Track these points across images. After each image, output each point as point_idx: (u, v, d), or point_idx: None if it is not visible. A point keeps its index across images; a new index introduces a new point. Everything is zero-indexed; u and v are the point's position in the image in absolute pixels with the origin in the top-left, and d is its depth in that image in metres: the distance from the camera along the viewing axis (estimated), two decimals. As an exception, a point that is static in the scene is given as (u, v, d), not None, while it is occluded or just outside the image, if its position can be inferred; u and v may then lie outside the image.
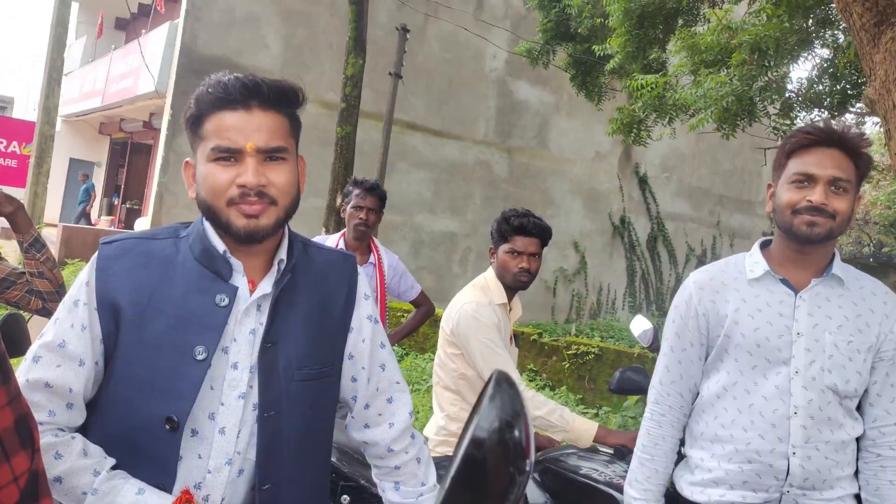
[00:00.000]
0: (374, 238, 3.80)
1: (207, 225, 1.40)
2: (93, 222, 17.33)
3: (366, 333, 1.58)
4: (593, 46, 7.81)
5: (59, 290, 2.34)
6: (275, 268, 1.43)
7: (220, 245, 1.39)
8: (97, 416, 1.36)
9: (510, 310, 3.00)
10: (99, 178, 19.78)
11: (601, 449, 2.94)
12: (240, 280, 1.39)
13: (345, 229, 3.79)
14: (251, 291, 1.41)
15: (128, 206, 17.55)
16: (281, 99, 1.37)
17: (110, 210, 18.70)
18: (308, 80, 11.58)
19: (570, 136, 13.97)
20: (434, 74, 12.68)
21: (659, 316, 14.49)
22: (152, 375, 1.32)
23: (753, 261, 1.98)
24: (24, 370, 1.32)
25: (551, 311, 13.62)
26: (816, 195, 1.81)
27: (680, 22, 7.51)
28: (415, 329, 4.35)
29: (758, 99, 6.03)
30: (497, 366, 2.78)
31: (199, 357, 1.32)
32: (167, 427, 1.30)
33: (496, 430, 0.70)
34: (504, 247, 2.91)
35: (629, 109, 7.37)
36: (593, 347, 8.61)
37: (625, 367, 2.88)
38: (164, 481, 1.31)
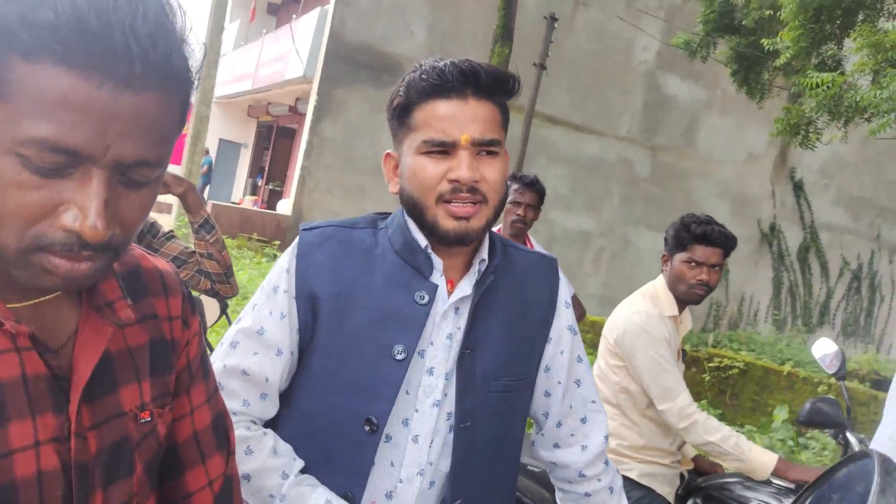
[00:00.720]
0: (530, 236, 3.62)
1: (409, 217, 1.31)
2: (237, 201, 18.10)
3: (565, 345, 1.45)
4: (761, 40, 7.30)
5: (227, 272, 2.31)
6: (474, 268, 1.32)
7: (422, 239, 1.29)
8: (289, 411, 1.31)
9: (679, 322, 2.76)
10: (245, 160, 20.65)
11: (773, 481, 2.67)
12: (438, 279, 1.29)
13: (500, 225, 3.63)
14: (449, 292, 1.30)
15: (270, 187, 18.21)
16: (498, 87, 1.26)
17: (254, 190, 19.48)
18: (452, 69, 11.53)
19: (720, 136, 13.27)
20: (579, 66, 12.34)
21: (805, 332, 13.58)
22: (351, 372, 1.25)
23: None
24: (220, 355, 1.28)
25: (687, 318, 13.00)
26: None
27: (860, 17, 6.94)
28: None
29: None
30: (665, 383, 2.55)
31: (399, 357, 1.24)
32: (366, 428, 1.24)
33: None
34: (681, 255, 2.66)
35: (798, 109, 6.88)
36: (738, 362, 8.11)
37: (815, 399, 2.58)
38: (353, 488, 1.24)
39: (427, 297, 1.27)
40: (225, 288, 2.32)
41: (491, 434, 1.33)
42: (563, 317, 1.45)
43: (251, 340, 1.28)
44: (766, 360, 9.09)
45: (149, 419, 0.85)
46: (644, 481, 2.58)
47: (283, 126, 18.55)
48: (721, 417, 7.51)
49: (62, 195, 0.67)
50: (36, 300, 0.77)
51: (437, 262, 1.29)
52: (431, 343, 1.29)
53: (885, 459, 0.62)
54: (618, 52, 12.67)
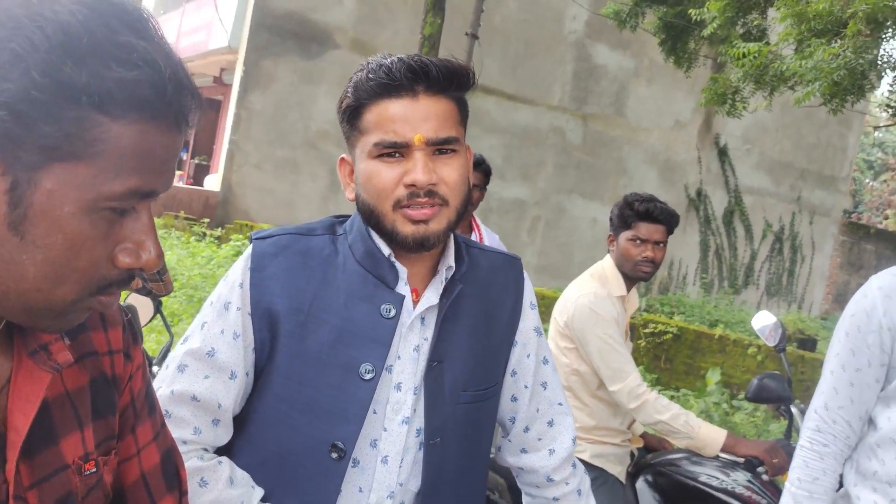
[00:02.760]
0: (475, 216, 3.57)
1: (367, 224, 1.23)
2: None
3: (531, 348, 1.40)
4: (689, 10, 7.37)
5: (160, 270, 2.19)
6: (440, 275, 1.25)
7: (384, 248, 1.21)
8: (248, 437, 1.22)
9: (627, 301, 2.78)
10: (168, 133, 19.97)
11: (721, 455, 2.73)
12: (404, 288, 1.22)
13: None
14: (414, 302, 1.23)
15: (196, 161, 17.70)
16: (451, 82, 1.18)
17: (179, 165, 18.90)
18: (382, 38, 11.34)
19: (648, 104, 13.46)
20: (510, 36, 12.29)
21: (732, 293, 14.04)
22: (315, 394, 1.17)
23: None
24: (167, 379, 1.18)
25: (619, 283, 13.24)
26: None
27: (786, -13, 7.07)
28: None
29: (870, 72, 5.62)
30: (616, 364, 2.57)
31: (367, 376, 1.17)
32: (333, 455, 1.16)
33: None
34: (626, 234, 2.67)
35: (725, 79, 6.98)
36: (672, 327, 8.31)
37: (762, 375, 2.64)
38: None
39: (394, 311, 1.20)
40: (158, 286, 2.21)
41: (461, 448, 1.28)
42: (529, 319, 1.40)
43: (201, 363, 1.18)
44: (698, 325, 9.35)
45: (94, 469, 0.79)
46: (596, 462, 2.60)
47: (209, 98, 17.94)
48: (657, 382, 7.70)
49: (118, 236, 0.69)
50: None
51: (402, 270, 1.22)
52: (398, 357, 1.22)
53: None
54: (548, 21, 12.66)
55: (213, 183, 12.52)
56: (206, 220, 10.75)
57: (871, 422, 1.72)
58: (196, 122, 0.73)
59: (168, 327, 2.60)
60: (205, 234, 10.20)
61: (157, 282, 2.20)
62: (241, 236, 9.33)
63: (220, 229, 10.56)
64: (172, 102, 0.67)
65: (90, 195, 0.65)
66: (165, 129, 0.68)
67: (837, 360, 1.74)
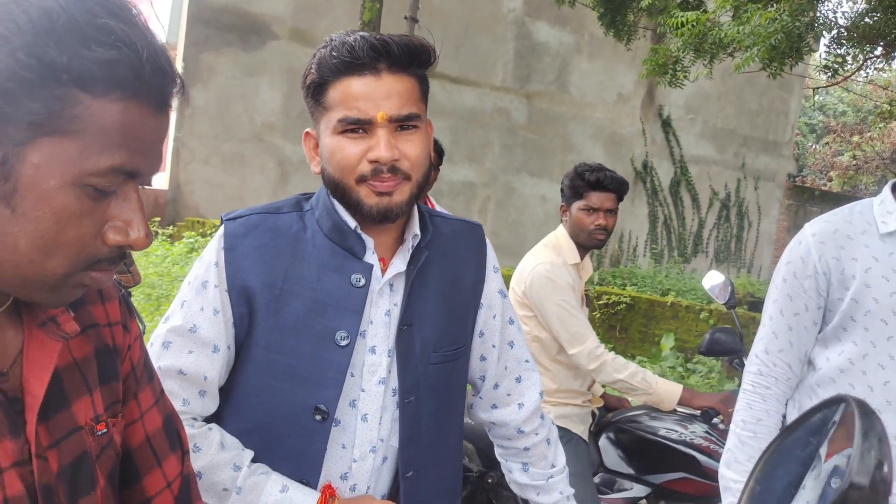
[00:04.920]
0: (430, 197, 3.62)
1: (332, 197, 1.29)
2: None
3: (497, 309, 1.48)
4: (626, -17, 7.47)
5: (126, 262, 2.20)
6: (407, 244, 1.32)
7: (350, 220, 1.27)
8: (234, 407, 1.28)
9: (581, 269, 2.87)
10: (108, 133, 19.55)
11: (678, 409, 2.85)
12: (371, 257, 1.28)
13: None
14: (382, 270, 1.30)
15: (140, 160, 17.37)
16: (412, 60, 1.23)
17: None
18: (321, 26, 11.26)
19: (591, 79, 13.61)
20: (450, 17, 12.30)
21: (682, 262, 14.32)
22: (295, 363, 1.23)
23: (886, 210, 1.70)
24: (153, 356, 1.24)
25: (573, 258, 13.39)
26: None
27: (721, -47, 7.19)
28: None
29: (808, 35, 5.76)
30: (574, 328, 2.65)
31: (343, 343, 1.24)
32: (317, 417, 1.23)
33: (872, 471, 0.64)
34: (578, 203, 2.75)
35: (665, 49, 7.10)
36: (625, 297, 8.49)
37: (714, 329, 2.75)
38: (308, 475, 1.24)
39: (363, 280, 1.26)
40: (126, 277, 2.22)
41: (435, 405, 1.35)
42: (493, 281, 1.47)
43: (184, 339, 1.24)
44: (650, 293, 9.55)
45: (105, 430, 0.85)
46: (560, 423, 2.69)
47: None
48: (612, 351, 7.87)
49: (107, 213, 0.73)
50: None
51: (369, 241, 1.28)
52: (371, 322, 1.28)
53: (861, 403, 0.67)
54: (486, 0, 12.70)
55: (160, 181, 12.32)
56: (157, 218, 10.59)
57: (810, 363, 1.82)
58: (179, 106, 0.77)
59: (139, 318, 2.61)
60: (157, 233, 10.06)
61: (125, 273, 2.22)
62: (193, 233, 9.23)
63: (171, 227, 10.43)
64: (151, 83, 0.71)
65: (75, 170, 0.69)
66: (148, 109, 0.72)
67: (776, 306, 1.82)
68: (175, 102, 0.77)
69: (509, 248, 12.50)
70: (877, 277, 1.66)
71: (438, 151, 3.56)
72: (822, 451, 0.69)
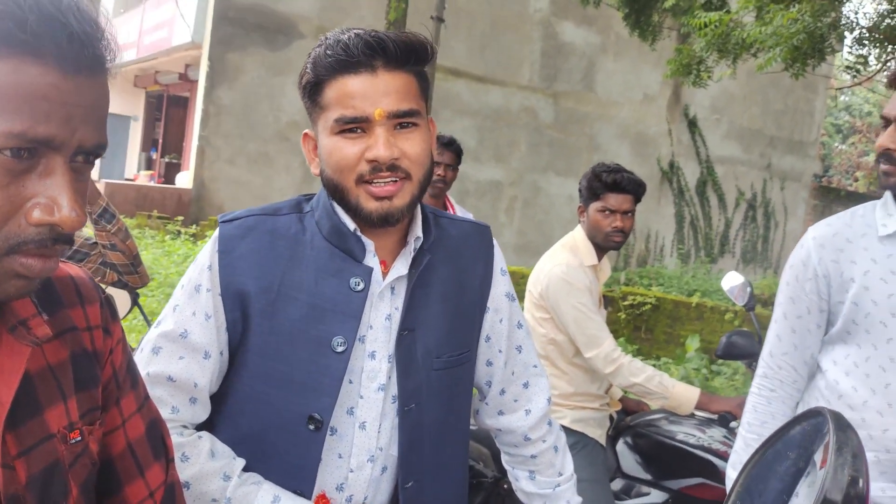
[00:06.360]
0: (449, 196, 3.61)
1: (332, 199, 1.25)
2: (132, 177, 17.37)
3: (504, 313, 1.43)
4: (650, -18, 7.42)
5: (134, 262, 2.20)
6: (410, 246, 1.27)
7: (350, 223, 1.23)
8: (226, 414, 1.24)
9: (599, 270, 2.83)
10: (136, 133, 19.77)
11: (696, 413, 2.80)
12: (372, 261, 1.24)
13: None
14: (383, 273, 1.26)
15: (167, 160, 17.54)
16: (409, 56, 1.19)
17: (149, 164, 18.72)
18: (348, 25, 11.27)
19: (617, 79, 13.53)
20: (476, 17, 12.29)
21: (708, 262, 14.19)
22: (289, 369, 1.20)
23: (886, 213, 1.67)
24: (142, 362, 1.20)
25: (597, 258, 13.32)
26: None
27: (744, -44, 7.13)
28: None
29: (830, 36, 5.70)
30: (590, 331, 2.62)
31: (339, 349, 1.20)
32: (310, 427, 1.19)
33: (846, 487, 0.63)
34: (596, 205, 2.72)
35: (689, 49, 7.05)
36: (650, 298, 8.42)
37: (731, 332, 2.70)
38: (302, 485, 1.20)
39: (362, 284, 1.22)
40: (133, 278, 2.22)
41: (437, 413, 1.30)
42: (500, 284, 1.42)
43: (175, 344, 1.20)
44: (676, 294, 9.47)
45: (79, 438, 0.81)
46: (577, 427, 2.66)
47: (175, 95, 17.80)
48: (638, 352, 7.81)
49: (27, 191, 0.66)
50: None
51: (369, 244, 1.24)
52: (371, 327, 1.25)
53: (837, 416, 0.65)
54: (513, 0, 12.67)
55: (184, 180, 12.45)
56: (180, 217, 10.70)
57: (818, 366, 1.80)
58: (111, 72, 0.69)
59: (147, 319, 2.62)
60: (179, 233, 10.16)
61: (132, 274, 2.22)
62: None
63: (194, 226, 10.51)
64: (41, 35, 0.63)
65: None
66: (51, 69, 0.64)
67: (780, 308, 1.82)
68: (106, 65, 0.68)
69: (536, 248, 12.46)
70: (875, 280, 1.64)
71: (457, 151, 3.55)
72: (817, 457, 0.68)
